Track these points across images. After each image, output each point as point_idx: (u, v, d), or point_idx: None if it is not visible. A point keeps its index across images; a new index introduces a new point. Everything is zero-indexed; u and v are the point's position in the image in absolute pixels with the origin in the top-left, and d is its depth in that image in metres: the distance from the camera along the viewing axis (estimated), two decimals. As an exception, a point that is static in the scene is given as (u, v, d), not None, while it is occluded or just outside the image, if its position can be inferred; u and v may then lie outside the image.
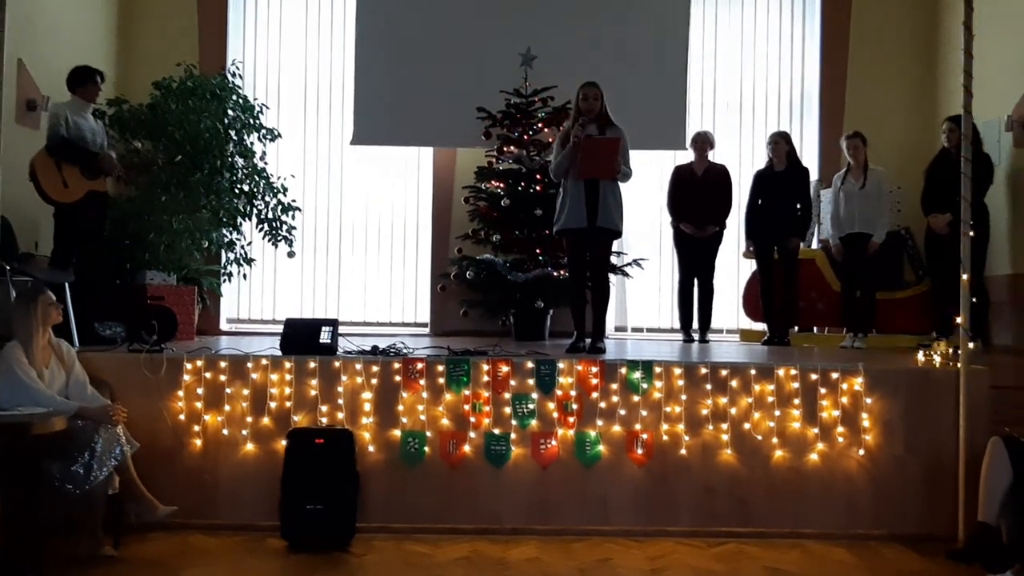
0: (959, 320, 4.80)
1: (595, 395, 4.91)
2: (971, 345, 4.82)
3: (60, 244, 5.81)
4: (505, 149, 7.75)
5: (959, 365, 4.79)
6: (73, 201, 5.72)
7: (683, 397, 4.91)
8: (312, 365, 4.94)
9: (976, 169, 5.00)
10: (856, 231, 6.86)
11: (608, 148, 5.70)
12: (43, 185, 5.64)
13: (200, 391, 4.91)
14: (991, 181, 6.44)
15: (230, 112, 7.54)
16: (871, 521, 4.86)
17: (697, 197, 7.21)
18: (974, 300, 4.88)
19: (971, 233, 4.80)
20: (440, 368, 4.94)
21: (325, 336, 5.14)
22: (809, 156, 8.31)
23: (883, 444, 4.88)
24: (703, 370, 4.94)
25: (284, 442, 4.76)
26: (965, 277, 4.76)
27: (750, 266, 7.78)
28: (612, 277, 6.76)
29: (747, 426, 4.89)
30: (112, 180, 6.25)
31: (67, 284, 5.51)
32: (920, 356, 5.26)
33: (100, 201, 5.94)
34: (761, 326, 7.39)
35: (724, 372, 4.93)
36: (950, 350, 5.12)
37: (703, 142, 7.39)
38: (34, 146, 5.90)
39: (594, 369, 4.93)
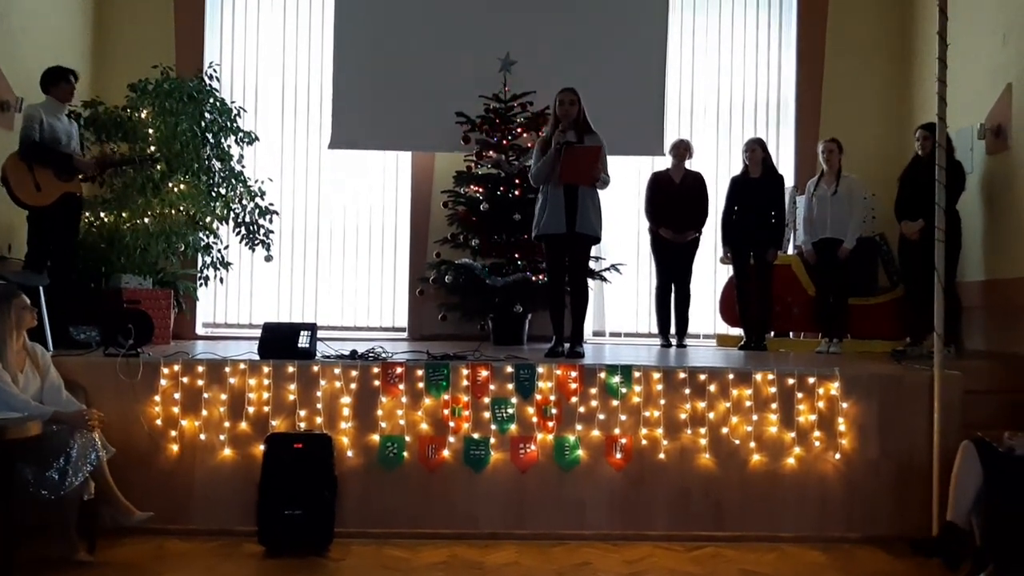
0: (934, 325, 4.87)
1: (574, 400, 4.93)
2: (944, 350, 4.89)
3: (34, 246, 5.75)
4: (484, 154, 7.75)
5: (933, 370, 4.85)
6: (46, 204, 5.66)
7: (662, 402, 4.94)
8: (290, 369, 4.93)
9: (948, 176, 5.07)
10: (828, 236, 6.94)
11: (588, 156, 5.73)
12: (14, 188, 5.57)
13: (177, 396, 4.88)
14: (963, 188, 6.51)
15: (207, 115, 7.49)
16: (846, 523, 4.91)
17: (675, 203, 7.25)
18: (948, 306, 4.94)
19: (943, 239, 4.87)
20: (419, 372, 4.94)
21: (304, 340, 5.12)
22: (785, 163, 8.38)
23: (858, 448, 4.93)
24: (681, 375, 4.97)
25: (262, 447, 4.75)
26: (938, 283, 4.82)
27: (726, 271, 7.83)
28: (590, 282, 6.78)
29: (725, 430, 4.92)
30: (90, 181, 6.19)
31: (42, 287, 5.45)
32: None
33: (74, 203, 5.88)
34: (737, 331, 7.45)
35: (702, 377, 4.96)
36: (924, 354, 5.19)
37: (683, 149, 7.43)
38: (7, 147, 5.84)
39: (573, 374, 4.95)
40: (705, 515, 4.90)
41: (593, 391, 4.93)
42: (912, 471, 4.89)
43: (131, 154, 6.73)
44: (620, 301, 8.63)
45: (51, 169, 5.67)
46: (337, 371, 4.93)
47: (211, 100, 7.57)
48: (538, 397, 4.93)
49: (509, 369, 4.96)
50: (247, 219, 7.61)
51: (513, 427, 4.91)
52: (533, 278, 7.31)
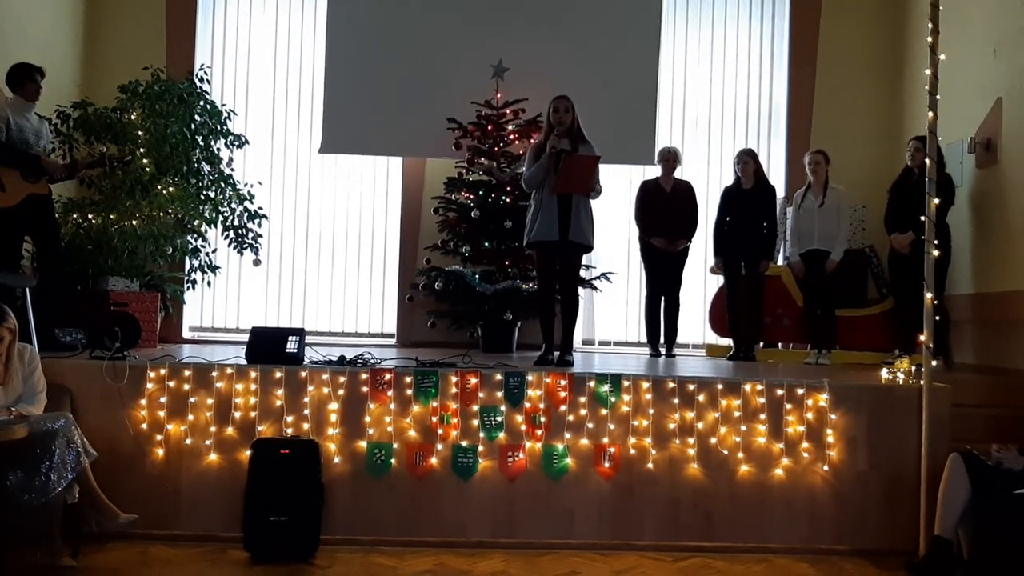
0: (922, 338, 4.87)
1: (563, 408, 4.91)
2: (933, 363, 4.89)
3: (3, 248, 5.68)
4: (475, 160, 7.75)
5: (922, 382, 4.86)
6: (10, 206, 5.57)
7: (651, 411, 4.92)
8: (278, 374, 4.89)
9: (938, 189, 5.08)
10: (815, 248, 6.96)
11: (587, 165, 5.71)
12: None
13: (163, 400, 4.84)
14: (952, 201, 6.54)
15: (197, 117, 7.46)
16: (834, 536, 4.90)
17: (666, 212, 7.26)
18: (937, 318, 4.94)
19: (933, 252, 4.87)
20: (408, 379, 4.91)
21: (292, 345, 5.08)
22: (776, 174, 8.40)
23: (847, 460, 4.93)
24: (671, 384, 4.95)
25: (248, 452, 4.71)
26: (928, 296, 4.83)
27: (716, 281, 7.83)
28: (580, 290, 6.77)
29: (713, 440, 4.91)
30: (75, 182, 6.12)
31: (28, 289, 5.40)
32: (884, 373, 5.32)
33: (41, 204, 5.77)
34: (726, 341, 7.45)
35: (691, 387, 4.95)
36: (912, 367, 5.20)
37: (672, 158, 7.44)
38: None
39: (562, 382, 4.93)
40: (693, 525, 4.88)
41: (582, 400, 4.92)
42: (901, 484, 4.88)
43: (101, 156, 6.59)
44: (610, 310, 8.62)
45: (18, 170, 5.58)
46: (325, 377, 4.90)
47: (201, 103, 7.55)
48: (527, 405, 4.91)
49: (498, 377, 4.94)
50: (236, 222, 7.59)
51: (502, 435, 4.89)
52: (523, 286, 7.30)
